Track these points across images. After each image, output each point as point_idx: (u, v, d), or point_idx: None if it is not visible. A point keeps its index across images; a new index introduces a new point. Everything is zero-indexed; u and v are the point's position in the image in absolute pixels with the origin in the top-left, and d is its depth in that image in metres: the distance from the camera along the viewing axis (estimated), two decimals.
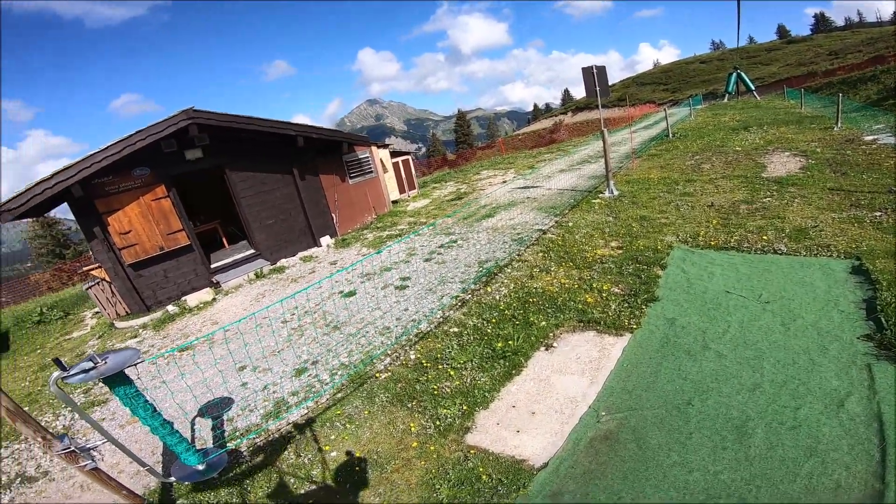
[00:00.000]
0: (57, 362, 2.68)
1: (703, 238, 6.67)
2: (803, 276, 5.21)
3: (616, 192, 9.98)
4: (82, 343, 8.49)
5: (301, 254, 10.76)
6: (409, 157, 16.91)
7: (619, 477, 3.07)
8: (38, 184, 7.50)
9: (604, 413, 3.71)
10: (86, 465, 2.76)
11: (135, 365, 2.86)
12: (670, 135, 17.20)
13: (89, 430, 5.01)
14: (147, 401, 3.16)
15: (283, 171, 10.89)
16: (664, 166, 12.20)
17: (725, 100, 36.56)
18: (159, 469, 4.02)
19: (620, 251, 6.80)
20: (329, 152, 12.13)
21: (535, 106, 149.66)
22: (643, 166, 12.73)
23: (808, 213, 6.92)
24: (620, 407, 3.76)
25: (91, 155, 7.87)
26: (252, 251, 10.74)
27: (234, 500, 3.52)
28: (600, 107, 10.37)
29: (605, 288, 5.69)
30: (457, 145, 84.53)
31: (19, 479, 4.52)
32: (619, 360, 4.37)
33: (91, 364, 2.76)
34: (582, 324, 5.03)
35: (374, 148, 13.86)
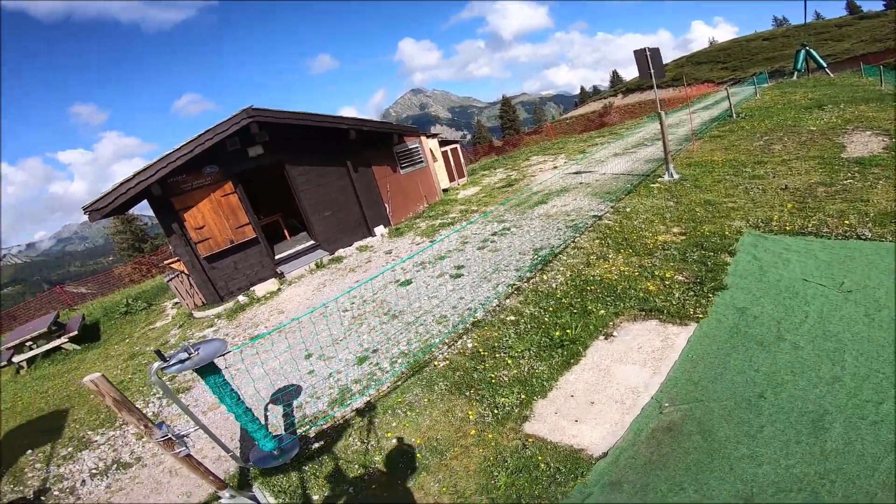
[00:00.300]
0: (158, 354, 2.92)
1: (777, 223, 6.19)
2: (890, 264, 4.74)
3: (676, 176, 9.48)
4: (165, 332, 9.14)
5: (357, 244, 11.06)
6: (457, 145, 16.87)
7: (681, 468, 2.97)
8: (121, 184, 8.15)
9: (667, 404, 3.58)
10: (180, 451, 2.97)
11: (223, 355, 3.06)
12: (734, 115, 16.03)
13: (176, 417, 5.42)
14: (233, 389, 3.37)
15: (338, 164, 11.20)
16: (729, 148, 11.41)
17: (794, 77, 33.69)
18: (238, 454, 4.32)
19: (683, 237, 6.46)
20: (380, 144, 12.33)
21: (582, 89, 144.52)
22: (705, 148, 11.98)
23: (894, 195, 6.25)
24: (685, 398, 3.60)
25: (166, 155, 8.44)
26: (311, 242, 11.18)
27: (303, 483, 3.69)
28: (656, 88, 9.86)
29: (667, 275, 5.43)
30: (503, 131, 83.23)
31: (115, 465, 4.85)
32: (683, 350, 4.17)
33: (186, 355, 2.97)
34: (643, 312, 4.83)
35: (422, 138, 13.94)
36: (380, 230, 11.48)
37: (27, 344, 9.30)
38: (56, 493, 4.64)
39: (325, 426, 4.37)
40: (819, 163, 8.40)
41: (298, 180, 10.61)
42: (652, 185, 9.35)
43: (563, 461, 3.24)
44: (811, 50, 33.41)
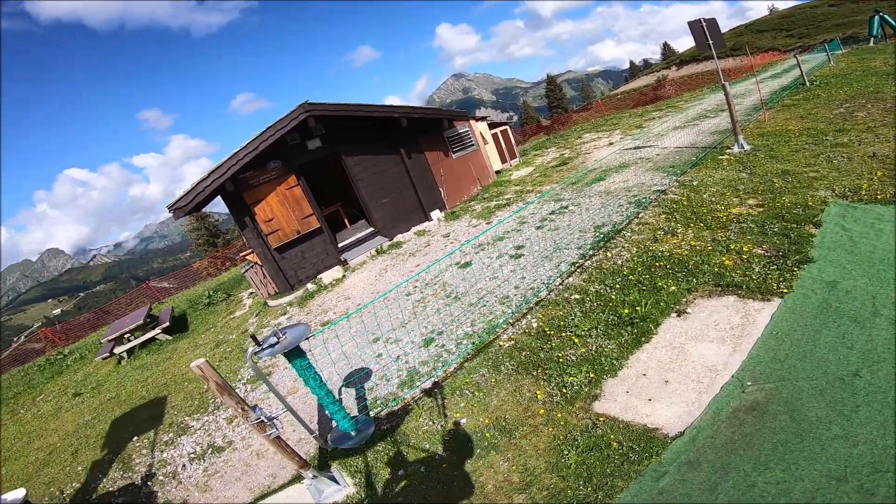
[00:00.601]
0: (254, 339, 3.12)
1: (867, 191, 5.59)
2: None
3: (747, 147, 8.81)
4: (244, 321, 9.65)
5: (414, 228, 11.23)
6: (506, 127, 16.59)
7: (767, 448, 2.81)
8: (199, 183, 8.73)
9: (750, 383, 3.37)
10: (271, 433, 3.17)
11: (307, 339, 3.24)
12: (807, 83, 14.62)
13: (261, 401, 5.72)
14: (316, 371, 3.55)
15: (392, 152, 11.37)
16: (805, 116, 10.41)
17: (871, 44, 30.31)
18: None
19: (761, 209, 6.00)
20: (430, 130, 12.37)
21: (632, 63, 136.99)
22: (777, 118, 11.01)
23: None
24: (770, 377, 3.38)
25: (235, 153, 8.92)
26: (371, 229, 11.48)
27: (377, 463, 3.82)
28: (716, 59, 9.22)
29: (745, 249, 5.08)
30: (550, 110, 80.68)
31: (210, 449, 5.08)
32: (767, 327, 3.90)
33: (276, 339, 3.16)
34: (719, 288, 4.56)
35: (471, 122, 13.83)
36: (436, 214, 11.57)
37: (125, 336, 10.08)
38: (161, 477, 4.92)
39: (395, 408, 4.48)
40: None
41: (355, 169, 10.88)
42: (720, 157, 8.74)
43: (636, 440, 3.17)
44: (885, 15, 30.02)
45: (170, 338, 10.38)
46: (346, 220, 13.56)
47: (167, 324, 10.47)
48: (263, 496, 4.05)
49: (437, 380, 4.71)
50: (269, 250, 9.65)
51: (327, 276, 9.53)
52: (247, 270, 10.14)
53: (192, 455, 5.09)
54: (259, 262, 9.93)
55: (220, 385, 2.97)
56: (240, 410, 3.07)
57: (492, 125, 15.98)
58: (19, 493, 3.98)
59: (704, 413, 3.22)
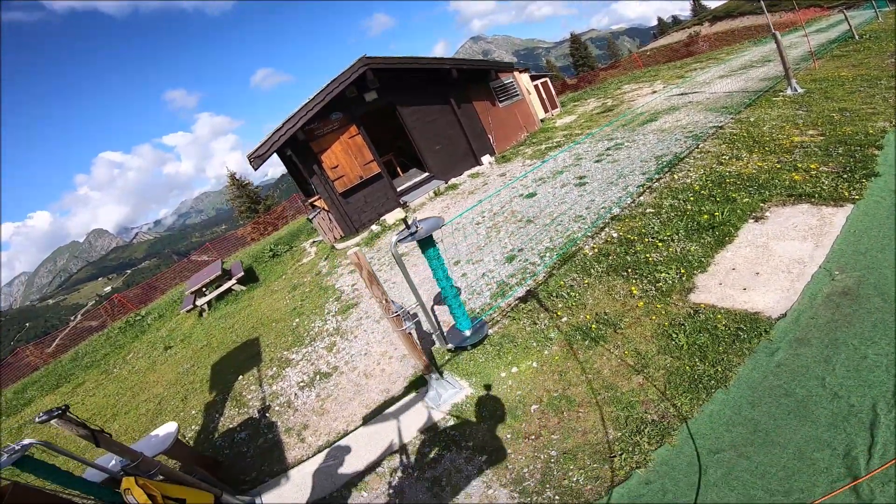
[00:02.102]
0: (405, 222, 3.47)
1: None
2: None
3: (800, 90, 8.63)
4: (313, 266, 9.92)
5: (467, 172, 11.51)
6: (546, 78, 16.40)
7: (868, 326, 2.98)
8: (274, 133, 9.14)
9: (837, 272, 3.56)
10: (406, 327, 3.46)
11: (439, 228, 3.55)
12: (856, 36, 13.89)
13: (351, 331, 5.86)
14: (443, 263, 3.77)
15: (442, 103, 11.57)
16: (857, 65, 10.00)
17: None
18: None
19: (822, 137, 5.99)
20: (478, 81, 12.45)
21: (660, 20, 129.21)
22: (828, 66, 10.60)
23: None
24: (855, 266, 3.56)
25: (304, 105, 9.29)
26: (426, 174, 11.79)
27: (488, 364, 4.02)
28: (765, 9, 9.07)
29: (812, 167, 5.17)
30: (576, 69, 77.38)
31: (317, 376, 5.17)
32: (844, 227, 4.06)
33: (414, 229, 3.46)
34: (792, 198, 4.71)
35: (516, 73, 13.80)
36: (486, 159, 11.79)
37: (203, 289, 10.53)
38: (276, 408, 4.97)
39: (494, 315, 4.65)
40: None
41: (409, 119, 11.13)
42: (774, 99, 8.58)
43: (741, 322, 3.33)
44: None
45: (244, 288, 10.73)
46: (398, 169, 13.89)
47: (241, 273, 10.96)
48: (381, 409, 4.17)
49: (528, 288, 4.95)
50: (336, 196, 10.09)
51: (391, 217, 9.96)
52: (315, 216, 10.65)
53: (301, 384, 5.19)
54: (326, 208, 10.40)
55: (371, 274, 3.29)
56: (384, 301, 3.38)
57: (533, 77, 15.85)
58: (171, 426, 4.04)
59: (800, 298, 3.42)
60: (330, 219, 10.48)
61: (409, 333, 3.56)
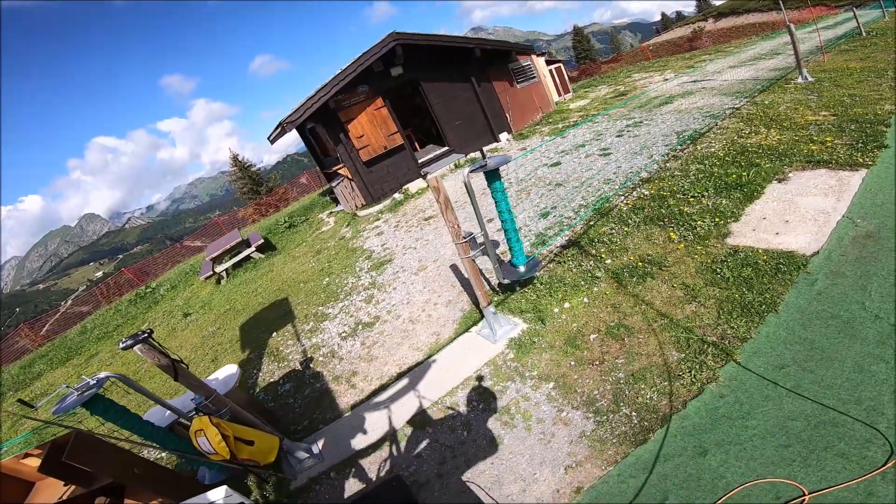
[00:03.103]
0: (481, 153, 3.73)
1: None
2: None
3: (811, 78, 8.99)
4: (335, 233, 10.14)
5: (485, 148, 11.80)
6: (560, 64, 16.66)
7: (892, 261, 3.32)
8: (307, 100, 9.39)
9: (859, 220, 3.92)
10: (473, 254, 3.71)
11: (506, 164, 3.80)
12: (863, 33, 14.28)
13: (388, 283, 6.01)
14: (507, 197, 3.99)
15: (463, 81, 11.84)
16: (864, 59, 10.36)
17: None
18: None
19: (834, 117, 6.34)
20: (497, 62, 12.72)
21: (664, 14, 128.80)
22: (836, 59, 10.97)
23: None
24: (875, 215, 3.92)
25: (336, 76, 9.54)
26: (446, 148, 12.07)
27: (540, 301, 4.25)
28: (782, 4, 9.32)
29: (827, 140, 5.52)
30: (577, 62, 77.23)
31: (359, 326, 5.22)
32: (860, 185, 4.42)
33: (483, 162, 3.72)
34: (811, 164, 5.06)
35: (533, 56, 14.07)
36: (504, 136, 12.09)
37: (222, 257, 10.59)
38: (320, 358, 4.96)
39: (538, 259, 4.78)
40: None
41: (431, 94, 11.39)
42: (786, 86, 8.94)
43: (779, 258, 3.65)
44: None
45: (262, 256, 10.80)
46: (416, 144, 14.15)
47: (261, 241, 11.06)
48: (435, 350, 4.25)
49: (568, 237, 5.24)
50: (360, 164, 10.35)
51: (413, 186, 10.25)
52: (337, 184, 10.90)
53: (343, 335, 5.21)
54: (349, 177, 10.65)
55: (447, 199, 3.53)
56: (455, 227, 3.63)
57: (548, 62, 16.13)
58: (232, 367, 4.08)
59: (829, 240, 3.77)
60: (352, 187, 10.74)
61: (474, 260, 3.79)
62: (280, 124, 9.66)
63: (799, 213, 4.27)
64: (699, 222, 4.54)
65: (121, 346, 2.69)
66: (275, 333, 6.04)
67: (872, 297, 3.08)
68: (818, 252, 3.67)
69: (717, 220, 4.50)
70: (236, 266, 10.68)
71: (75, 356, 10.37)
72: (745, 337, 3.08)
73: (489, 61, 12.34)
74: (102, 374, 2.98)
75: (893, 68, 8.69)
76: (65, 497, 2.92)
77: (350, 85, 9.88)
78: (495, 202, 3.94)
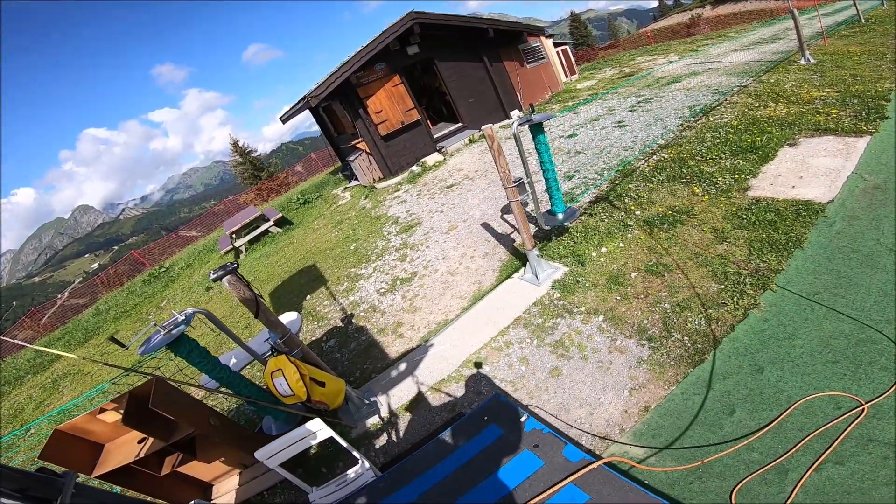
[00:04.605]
0: (532, 108, 4.01)
1: None
2: None
3: (813, 60, 9.31)
4: (354, 205, 10.28)
5: (498, 124, 12.10)
6: (566, 46, 16.87)
7: None
8: (330, 76, 9.57)
9: (867, 176, 4.31)
10: (521, 198, 3.99)
11: (550, 119, 4.10)
12: (862, 20, 14.58)
13: (417, 246, 6.17)
14: (550, 149, 4.29)
15: (475, 60, 12.06)
16: (864, 43, 10.64)
17: None
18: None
19: (837, 94, 6.68)
20: (508, 42, 12.97)
21: (661, 1, 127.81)
22: (837, 44, 11.25)
23: None
24: (881, 171, 4.31)
25: (357, 53, 9.75)
26: (459, 125, 12.33)
27: (577, 248, 4.56)
28: None
29: (832, 112, 5.88)
30: (575, 48, 76.79)
31: (397, 282, 5.37)
32: (865, 148, 4.80)
33: (528, 117, 4.05)
34: (818, 132, 5.42)
35: (542, 37, 14.26)
36: (515, 113, 12.18)
37: (241, 231, 10.73)
38: (361, 314, 5.05)
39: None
40: None
41: (445, 73, 11.61)
42: (789, 67, 9.26)
43: (798, 205, 4.05)
44: None
45: (280, 230, 10.94)
46: (428, 122, 14.38)
47: (279, 215, 11.26)
48: (479, 297, 4.42)
49: (595, 194, 5.57)
50: (378, 138, 10.59)
51: (430, 160, 10.54)
52: (355, 158, 11.14)
53: (381, 291, 5.32)
54: (367, 151, 10.89)
55: (500, 146, 3.82)
56: (506, 171, 3.88)
57: (556, 44, 16.31)
58: (293, 314, 4.15)
59: (841, 191, 4.15)
60: (370, 161, 10.98)
61: (522, 204, 4.01)
62: (304, 98, 9.85)
63: (811, 171, 4.65)
64: (720, 179, 4.91)
65: (212, 276, 2.74)
66: (308, 296, 6.13)
67: (886, 234, 3.47)
68: (833, 200, 4.06)
69: (736, 176, 4.87)
70: (253, 241, 10.82)
71: (93, 336, 10.44)
72: (778, 269, 3.44)
73: (501, 42, 12.55)
74: (190, 310, 2.92)
75: (892, 52, 9.06)
76: (141, 455, 2.75)
77: (369, 62, 10.09)
78: (538, 153, 4.27)
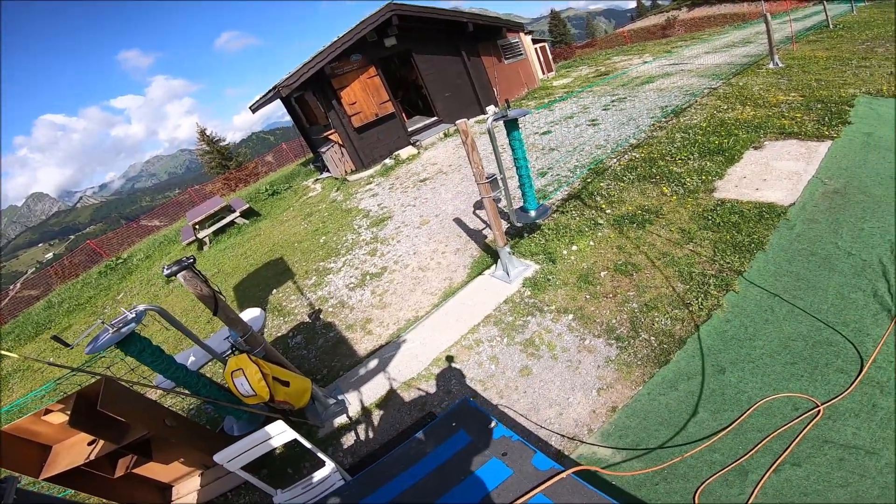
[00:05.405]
0: (507, 104, 3.97)
1: (887, 92, 6.51)
2: None
3: (781, 64, 9.63)
4: (325, 197, 10.07)
5: (474, 119, 12.08)
6: (545, 43, 16.98)
7: (858, 210, 3.90)
8: (304, 65, 9.33)
9: (827, 179, 4.48)
10: (495, 194, 3.98)
11: (525, 115, 4.07)
12: (831, 25, 15.19)
13: (387, 240, 6.13)
14: (524, 146, 4.27)
15: (453, 54, 12.01)
16: (830, 49, 11.09)
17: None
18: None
19: (802, 98, 6.92)
20: (487, 38, 12.94)
21: (639, 2, 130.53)
22: (804, 49, 11.68)
23: None
24: (841, 176, 4.50)
25: (332, 43, 9.54)
26: (434, 118, 12.27)
27: (548, 245, 4.60)
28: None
29: (797, 116, 6.09)
30: (553, 45, 77.69)
31: (366, 276, 5.29)
32: (826, 153, 4.99)
33: (504, 113, 3.97)
34: (783, 135, 5.60)
35: (521, 34, 14.32)
36: (491, 108, 12.38)
37: (205, 222, 10.33)
38: (329, 309, 4.94)
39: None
40: None
41: (422, 66, 11.50)
42: (758, 70, 9.55)
43: (761, 207, 4.18)
44: None
45: (246, 221, 10.67)
46: (403, 116, 14.24)
47: (245, 206, 10.90)
48: (450, 294, 4.41)
49: (568, 192, 5.62)
50: (352, 130, 10.40)
51: (404, 153, 10.43)
52: (327, 150, 10.91)
53: (351, 286, 5.24)
54: (340, 143, 10.68)
55: (473, 141, 3.77)
56: (479, 167, 3.87)
57: (534, 41, 16.41)
58: (256, 310, 4.06)
59: (802, 194, 4.30)
60: (342, 153, 10.78)
61: (495, 200, 4.00)
62: (275, 87, 9.58)
63: (775, 174, 4.80)
64: (688, 179, 5.03)
65: (165, 271, 2.56)
66: (274, 290, 5.99)
67: (844, 238, 3.62)
68: (794, 203, 4.20)
69: (703, 177, 4.99)
70: (218, 232, 10.47)
71: (45, 330, 9.90)
72: (740, 270, 3.54)
73: (480, 36, 12.52)
74: (141, 307, 2.79)
75: (857, 58, 9.48)
76: (91, 458, 2.64)
77: (344, 53, 9.90)
78: (512, 149, 4.24)
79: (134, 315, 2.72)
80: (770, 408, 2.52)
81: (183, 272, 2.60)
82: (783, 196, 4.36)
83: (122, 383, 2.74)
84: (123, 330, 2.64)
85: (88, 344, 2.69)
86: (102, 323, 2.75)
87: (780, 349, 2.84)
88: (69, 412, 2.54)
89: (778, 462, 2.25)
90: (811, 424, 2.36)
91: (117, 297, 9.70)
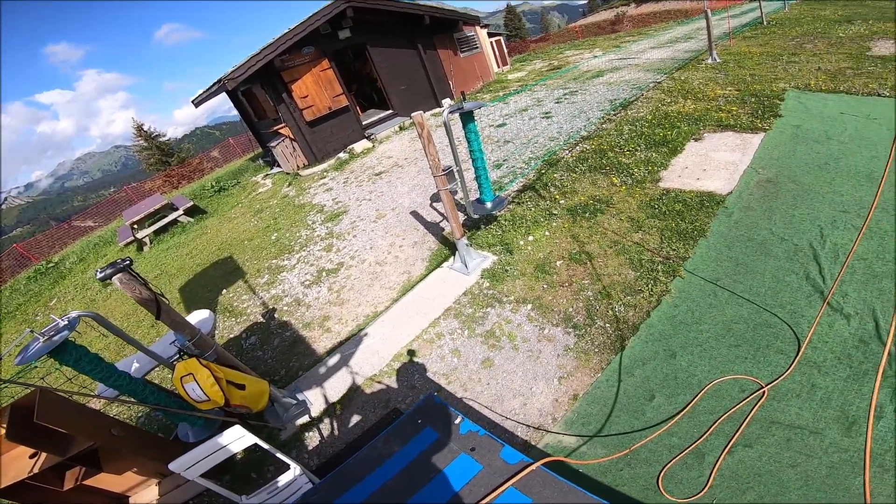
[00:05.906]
0: (463, 96, 3.98)
1: (814, 86, 7.08)
2: None
3: (719, 60, 10.24)
4: (276, 192, 9.75)
5: (429, 112, 12.07)
6: (500, 37, 17.16)
7: (790, 199, 4.24)
8: (252, 57, 8.92)
9: (760, 169, 4.84)
10: (451, 187, 4.02)
11: (480, 108, 4.09)
12: (764, 22, 16.24)
13: (344, 235, 6.03)
14: (479, 138, 4.30)
15: (409, 47, 11.92)
16: (764, 45, 11.89)
17: None
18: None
19: (738, 92, 7.43)
20: (444, 30, 12.92)
21: None
22: (740, 45, 12.44)
23: None
24: (773, 166, 4.87)
25: (283, 35, 9.18)
26: (390, 112, 12.12)
27: (505, 236, 4.71)
28: None
29: (733, 109, 6.52)
30: (509, 40, 78.73)
31: (322, 273, 5.21)
32: (760, 144, 5.40)
33: (459, 106, 4.00)
34: (721, 127, 6.00)
35: (477, 27, 14.42)
36: (446, 101, 12.16)
37: (145, 221, 9.78)
38: (284, 308, 4.83)
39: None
40: (846, 56, 8.93)
41: (377, 59, 11.33)
42: (698, 66, 10.12)
43: (702, 196, 4.48)
44: None
45: (192, 220, 10.23)
46: (357, 108, 14.00)
47: (189, 204, 10.41)
48: (408, 288, 4.40)
49: (523, 182, 5.75)
50: (303, 124, 10.11)
51: (358, 147, 10.27)
52: (277, 144, 10.55)
53: (306, 283, 5.13)
54: (291, 137, 10.36)
55: (430, 134, 3.77)
56: (435, 160, 3.84)
57: (490, 34, 16.54)
58: (205, 312, 3.90)
59: (738, 184, 4.62)
60: (294, 147, 10.47)
61: (452, 193, 4.07)
62: (220, 80, 9.12)
63: (713, 164, 5.12)
64: (636, 170, 5.27)
65: (98, 275, 2.41)
66: (224, 291, 5.78)
67: (777, 224, 3.92)
68: (731, 192, 4.50)
69: (650, 168, 5.26)
70: (160, 232, 9.94)
71: None
72: (685, 256, 3.75)
73: (436, 29, 12.48)
74: (74, 314, 2.61)
75: (788, 54, 10.22)
76: (35, 471, 2.54)
77: (296, 46, 9.58)
78: (468, 142, 4.27)
79: (66, 322, 2.55)
80: (719, 390, 2.64)
81: (119, 275, 2.45)
82: (721, 185, 4.66)
83: (60, 394, 2.62)
84: (55, 338, 2.48)
85: (18, 354, 2.53)
86: (32, 332, 2.58)
87: (724, 332, 3.00)
88: (4, 425, 2.44)
89: (731, 444, 2.36)
90: (758, 406, 2.49)
91: (50, 303, 8.97)
